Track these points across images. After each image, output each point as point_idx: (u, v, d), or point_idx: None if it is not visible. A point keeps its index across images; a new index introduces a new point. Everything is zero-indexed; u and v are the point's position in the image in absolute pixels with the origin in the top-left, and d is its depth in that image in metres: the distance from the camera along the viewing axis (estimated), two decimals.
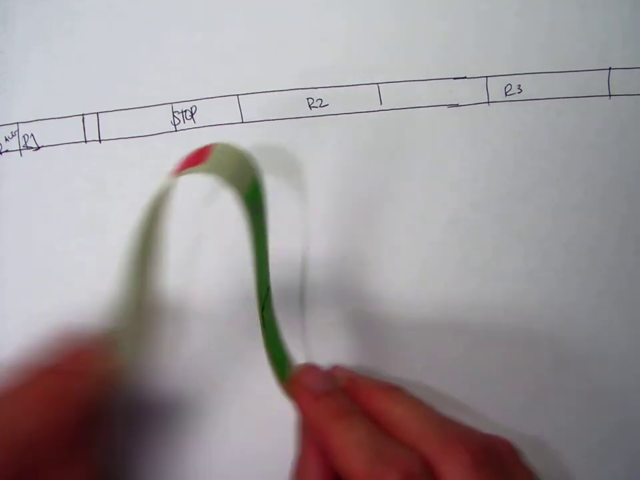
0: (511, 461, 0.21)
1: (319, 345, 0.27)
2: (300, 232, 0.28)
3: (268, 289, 0.24)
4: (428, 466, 0.20)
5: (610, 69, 0.28)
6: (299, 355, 0.25)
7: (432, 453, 0.20)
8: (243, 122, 0.28)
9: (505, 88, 0.28)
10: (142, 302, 0.24)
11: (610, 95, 0.28)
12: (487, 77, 0.28)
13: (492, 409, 0.27)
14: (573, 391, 0.27)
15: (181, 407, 0.27)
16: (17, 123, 0.29)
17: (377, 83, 0.28)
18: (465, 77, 0.28)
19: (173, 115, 0.28)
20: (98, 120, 0.28)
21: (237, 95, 0.28)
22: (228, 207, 0.28)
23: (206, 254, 0.28)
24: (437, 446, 0.20)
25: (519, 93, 0.28)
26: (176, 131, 0.28)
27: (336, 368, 0.25)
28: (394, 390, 0.23)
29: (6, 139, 0.29)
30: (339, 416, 0.21)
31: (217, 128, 0.28)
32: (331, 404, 0.22)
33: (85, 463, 0.22)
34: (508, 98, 0.28)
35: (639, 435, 0.26)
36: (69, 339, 0.23)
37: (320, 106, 0.28)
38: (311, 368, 0.24)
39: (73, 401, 0.22)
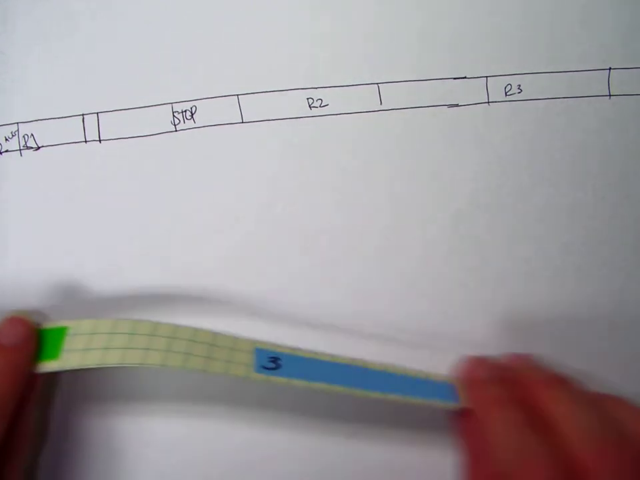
0: None
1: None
2: (299, 232, 0.28)
3: None
4: (573, 468, 0.20)
5: (610, 69, 0.28)
6: None
7: (582, 457, 0.20)
8: (242, 122, 0.28)
9: (505, 88, 0.28)
10: None
11: (610, 95, 0.28)
12: (486, 77, 0.28)
13: None
14: None
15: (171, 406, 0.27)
16: (17, 123, 0.29)
17: (377, 83, 0.28)
18: (465, 77, 0.28)
19: (173, 115, 0.28)
20: (98, 120, 0.28)
21: (237, 95, 0.28)
22: (224, 205, 0.28)
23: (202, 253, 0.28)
24: (589, 451, 0.20)
25: (518, 93, 0.28)
26: (176, 130, 0.28)
27: (508, 356, 0.26)
28: (556, 384, 0.23)
29: (6, 139, 0.29)
30: (495, 403, 0.22)
31: (216, 128, 0.28)
32: (490, 391, 0.23)
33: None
34: (508, 98, 0.28)
35: None
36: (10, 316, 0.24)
37: (320, 106, 0.28)
38: (477, 360, 0.25)
39: (13, 375, 0.22)
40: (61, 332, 0.24)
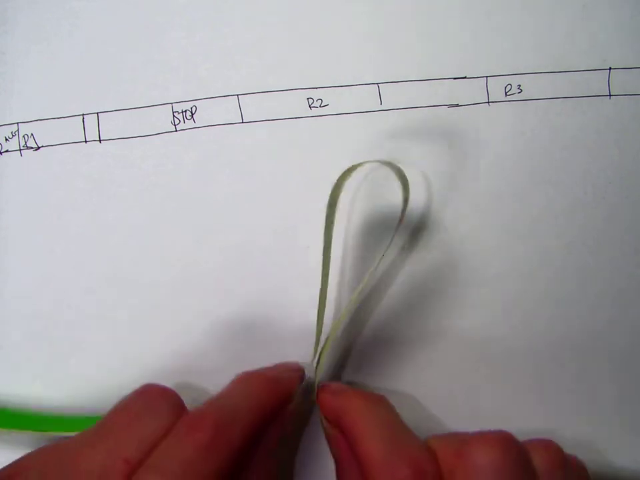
0: (545, 463, 0.21)
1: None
2: (300, 232, 0.28)
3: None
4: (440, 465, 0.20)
5: (610, 68, 0.28)
6: None
7: (447, 453, 0.20)
8: (242, 122, 0.28)
9: (505, 88, 0.28)
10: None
11: (610, 95, 0.28)
12: (486, 77, 0.28)
13: (492, 411, 0.27)
14: (573, 392, 0.27)
15: None
16: (17, 123, 0.29)
17: (377, 83, 0.28)
18: (465, 77, 0.28)
19: (173, 115, 0.28)
20: (98, 120, 0.28)
21: (237, 95, 0.28)
22: (226, 205, 0.28)
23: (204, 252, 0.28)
24: (453, 449, 0.20)
25: (518, 93, 0.28)
26: (176, 131, 0.28)
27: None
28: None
29: (6, 139, 0.29)
30: (365, 398, 0.23)
31: (217, 128, 0.28)
32: (354, 392, 0.23)
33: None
34: (508, 98, 0.28)
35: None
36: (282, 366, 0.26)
37: (320, 106, 0.28)
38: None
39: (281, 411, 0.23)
40: None
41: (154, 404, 0.21)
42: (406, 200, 0.25)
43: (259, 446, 0.22)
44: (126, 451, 0.19)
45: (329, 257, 0.26)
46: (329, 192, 0.25)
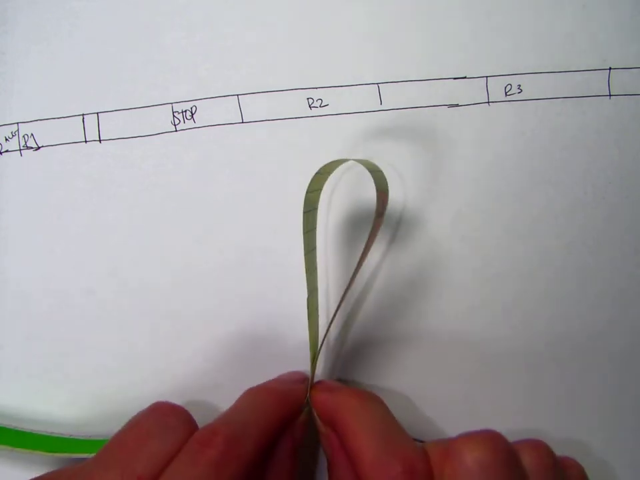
0: (535, 464, 0.21)
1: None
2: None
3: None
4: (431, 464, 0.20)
5: (610, 68, 0.28)
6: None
7: (437, 453, 0.20)
8: (242, 122, 0.28)
9: (505, 88, 0.28)
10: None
11: (610, 95, 0.28)
12: (486, 77, 0.28)
13: (492, 411, 0.27)
14: (573, 392, 0.27)
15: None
16: (17, 123, 0.29)
17: (377, 83, 0.28)
18: (465, 77, 0.28)
19: (173, 115, 0.28)
20: (98, 120, 0.28)
21: (237, 95, 0.28)
22: (231, 207, 0.28)
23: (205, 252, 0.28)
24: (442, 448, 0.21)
25: (519, 93, 0.28)
26: (176, 131, 0.28)
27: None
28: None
29: (6, 139, 0.29)
30: (358, 396, 0.23)
31: (217, 128, 0.28)
32: (347, 390, 0.23)
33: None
34: (508, 98, 0.28)
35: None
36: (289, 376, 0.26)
37: (320, 106, 0.28)
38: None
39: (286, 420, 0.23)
40: None
41: (165, 421, 0.21)
42: (381, 195, 0.24)
43: (271, 459, 0.22)
44: (139, 468, 0.19)
45: (315, 261, 0.25)
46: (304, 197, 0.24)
